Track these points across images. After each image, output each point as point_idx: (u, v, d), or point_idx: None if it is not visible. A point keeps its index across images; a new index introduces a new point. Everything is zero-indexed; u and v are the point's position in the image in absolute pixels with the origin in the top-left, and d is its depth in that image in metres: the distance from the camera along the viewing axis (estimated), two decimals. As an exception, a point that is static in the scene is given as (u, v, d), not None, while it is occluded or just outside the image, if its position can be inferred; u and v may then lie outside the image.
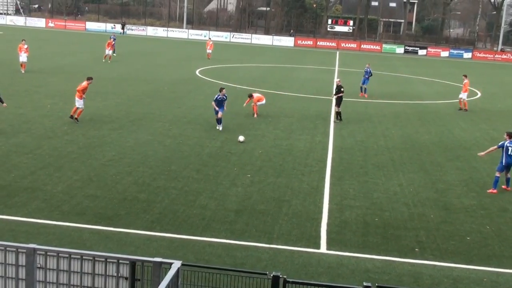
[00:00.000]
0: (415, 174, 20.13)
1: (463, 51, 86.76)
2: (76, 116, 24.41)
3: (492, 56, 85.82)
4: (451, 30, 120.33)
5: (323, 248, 13.51)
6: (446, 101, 36.87)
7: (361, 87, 37.89)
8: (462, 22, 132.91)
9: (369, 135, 26.04)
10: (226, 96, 25.06)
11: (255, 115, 28.38)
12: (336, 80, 30.25)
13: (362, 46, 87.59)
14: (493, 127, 29.94)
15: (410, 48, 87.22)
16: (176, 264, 8.42)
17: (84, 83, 24.64)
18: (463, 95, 34.57)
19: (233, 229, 14.17)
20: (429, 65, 68.55)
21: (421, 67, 63.88)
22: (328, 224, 14.94)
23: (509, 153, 18.56)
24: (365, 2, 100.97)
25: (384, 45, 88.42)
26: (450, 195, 18.07)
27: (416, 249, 13.77)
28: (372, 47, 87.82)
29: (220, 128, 24.69)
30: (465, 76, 35.36)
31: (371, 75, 38.07)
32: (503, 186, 19.01)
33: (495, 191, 18.58)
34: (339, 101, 28.69)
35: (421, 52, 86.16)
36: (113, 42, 50.74)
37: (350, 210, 16.10)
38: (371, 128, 27.52)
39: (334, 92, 29.34)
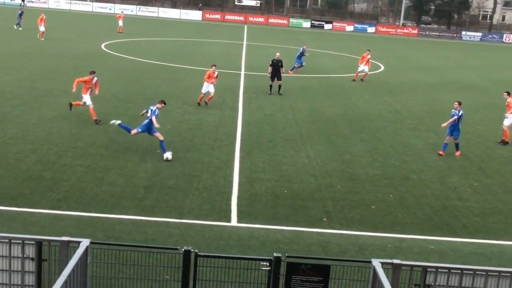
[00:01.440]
0: (322, 146, 20.61)
1: (367, 26, 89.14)
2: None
3: (394, 30, 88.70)
4: (356, 5, 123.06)
5: (233, 221, 13.64)
6: (351, 75, 37.83)
7: (295, 66, 38.03)
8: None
9: (278, 109, 26.35)
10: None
11: (205, 101, 25.69)
12: (277, 54, 30.41)
13: (269, 20, 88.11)
14: (396, 99, 31.04)
15: (317, 23, 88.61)
16: (85, 242, 8.27)
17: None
18: (365, 68, 36.18)
19: (143, 205, 14.03)
20: (335, 39, 69.93)
21: (327, 41, 65.07)
22: (239, 198, 15.06)
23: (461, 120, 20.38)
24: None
25: (291, 20, 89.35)
26: (356, 165, 18.65)
27: (324, 219, 14.16)
28: (279, 21, 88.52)
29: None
30: (369, 50, 37.11)
31: (303, 55, 38.36)
32: (439, 152, 20.46)
33: (458, 152, 20.58)
34: (279, 75, 29.23)
35: (327, 26, 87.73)
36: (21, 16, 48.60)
37: (260, 183, 16.30)
38: (280, 102, 27.85)
39: (271, 65, 29.58)
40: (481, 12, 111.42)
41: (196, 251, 8.79)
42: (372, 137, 22.47)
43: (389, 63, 47.78)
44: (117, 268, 9.18)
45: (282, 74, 29.66)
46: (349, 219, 14.26)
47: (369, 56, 36.33)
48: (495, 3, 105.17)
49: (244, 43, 56.36)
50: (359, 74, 36.37)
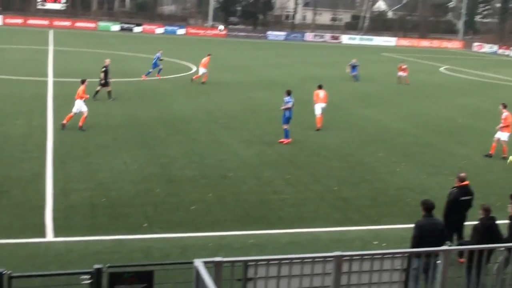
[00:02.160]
0: (138, 151, 20.39)
1: (177, 28, 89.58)
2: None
3: (203, 32, 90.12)
4: (164, 7, 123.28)
5: (49, 236, 13.04)
6: (164, 77, 37.88)
7: (154, 71, 37.24)
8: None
9: (90, 115, 25.45)
10: None
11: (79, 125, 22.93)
12: (106, 60, 29.62)
13: (76, 24, 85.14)
14: (209, 99, 31.65)
15: (126, 26, 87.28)
16: None
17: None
18: (202, 70, 37.26)
19: None
20: (145, 42, 69.44)
21: (137, 44, 64.46)
22: (54, 211, 14.43)
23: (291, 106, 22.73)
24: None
25: (99, 23, 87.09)
26: (174, 167, 18.72)
27: (145, 224, 14.05)
28: (87, 25, 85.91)
29: None
30: (210, 55, 38.51)
31: (160, 59, 37.59)
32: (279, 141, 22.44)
33: (289, 140, 22.64)
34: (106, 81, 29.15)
35: (137, 29, 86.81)
36: None
37: (75, 193, 15.74)
38: (91, 108, 26.96)
39: (103, 72, 29.27)
40: (284, 13, 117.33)
41: (10, 272, 8.26)
42: (188, 138, 22.69)
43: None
44: None
45: (108, 80, 29.48)
46: (170, 222, 14.30)
47: (208, 61, 37.31)
48: (296, 3, 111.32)
49: (51, 48, 53.90)
50: (199, 76, 37.01)
